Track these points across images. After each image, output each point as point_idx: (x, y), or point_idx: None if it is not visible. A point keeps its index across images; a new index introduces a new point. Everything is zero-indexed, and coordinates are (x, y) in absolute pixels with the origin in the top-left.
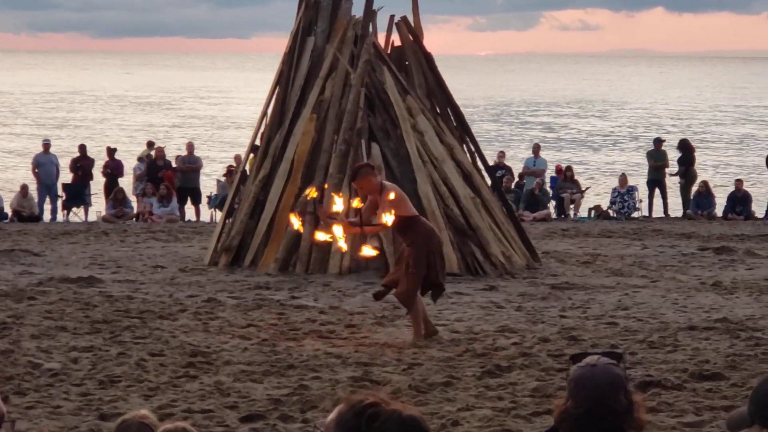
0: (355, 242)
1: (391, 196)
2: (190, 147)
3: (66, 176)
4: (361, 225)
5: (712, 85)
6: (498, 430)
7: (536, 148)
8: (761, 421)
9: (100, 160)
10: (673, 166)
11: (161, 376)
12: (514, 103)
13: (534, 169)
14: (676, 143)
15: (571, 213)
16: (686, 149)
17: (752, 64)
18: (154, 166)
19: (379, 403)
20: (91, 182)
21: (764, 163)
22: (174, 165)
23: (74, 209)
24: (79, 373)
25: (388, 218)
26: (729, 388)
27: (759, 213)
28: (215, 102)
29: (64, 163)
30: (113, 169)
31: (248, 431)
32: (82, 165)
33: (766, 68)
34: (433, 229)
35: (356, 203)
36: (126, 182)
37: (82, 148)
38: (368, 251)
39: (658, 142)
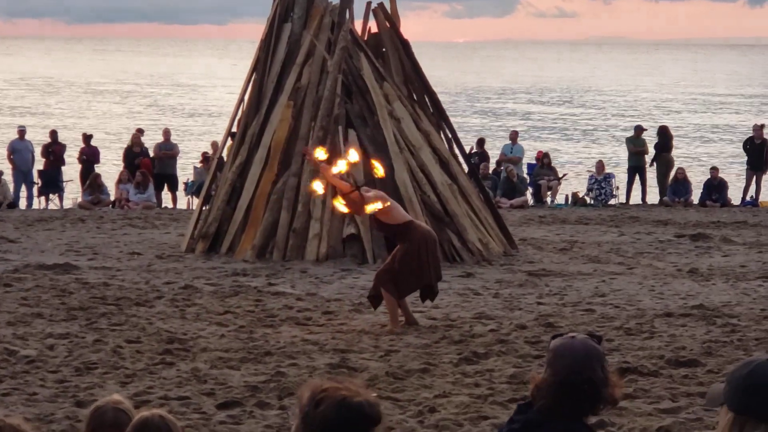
0: (334, 227)
1: (378, 205)
2: (167, 134)
3: (40, 162)
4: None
5: (689, 72)
6: (475, 416)
7: (513, 135)
8: (730, 405)
9: (76, 147)
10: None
11: (138, 363)
12: (491, 89)
13: (511, 156)
14: (650, 130)
15: (548, 200)
16: (664, 135)
17: (729, 52)
18: (130, 153)
19: (328, 388)
20: (63, 168)
21: (741, 149)
22: (151, 152)
23: (51, 196)
24: (56, 360)
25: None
26: (705, 375)
27: (735, 200)
28: (192, 89)
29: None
30: (89, 156)
31: (225, 418)
32: (53, 150)
33: (743, 56)
34: (428, 232)
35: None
36: (104, 170)
37: (53, 133)
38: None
39: (639, 129)
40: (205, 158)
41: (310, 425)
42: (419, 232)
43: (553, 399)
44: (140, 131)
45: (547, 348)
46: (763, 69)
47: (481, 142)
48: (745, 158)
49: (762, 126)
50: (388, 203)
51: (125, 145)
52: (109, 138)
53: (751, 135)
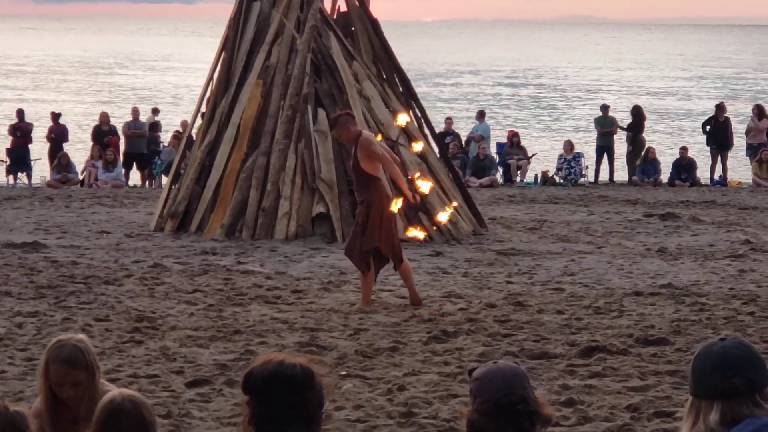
0: (303, 206)
1: (373, 149)
2: (135, 112)
3: (6, 141)
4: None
5: (662, 53)
6: (444, 394)
7: (480, 114)
8: (689, 389)
9: (44, 126)
10: (622, 133)
11: (106, 341)
12: (458, 69)
13: (475, 134)
14: (620, 110)
15: (518, 179)
16: (638, 116)
17: (702, 32)
18: (99, 132)
19: (266, 359)
20: (31, 146)
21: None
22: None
23: (19, 174)
24: (24, 338)
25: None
26: (674, 353)
27: (704, 180)
28: (160, 68)
29: (5, 129)
30: (57, 134)
31: (194, 396)
32: (20, 128)
33: (715, 36)
34: (389, 196)
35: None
36: (72, 148)
37: (20, 112)
38: (415, 233)
39: (605, 108)
40: (175, 137)
41: (252, 383)
42: (382, 192)
43: (493, 425)
44: (155, 111)
45: (469, 381)
46: (726, 49)
47: (449, 121)
48: (705, 138)
49: (723, 104)
50: (379, 155)
51: (94, 124)
52: (77, 117)
53: (711, 115)
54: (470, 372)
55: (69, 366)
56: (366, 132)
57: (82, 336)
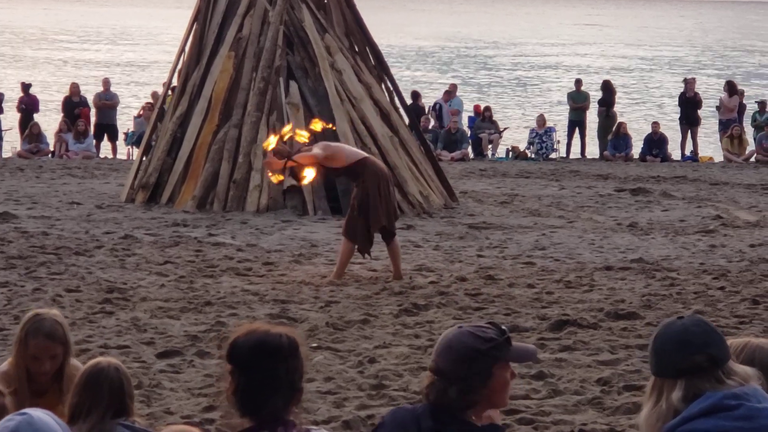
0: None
1: (315, 151)
2: (107, 83)
3: None
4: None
5: (638, 28)
6: (415, 367)
7: (452, 88)
8: (651, 368)
9: (14, 96)
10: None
11: (77, 311)
12: (433, 42)
13: (449, 109)
14: (594, 85)
15: (489, 153)
16: (607, 90)
17: (674, 5)
18: (69, 103)
19: (250, 329)
20: (1, 117)
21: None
22: (90, 102)
23: None
24: None
25: (308, 172)
26: (644, 327)
27: (675, 155)
28: (133, 41)
29: None
30: (28, 105)
31: (165, 367)
32: None
33: (687, 9)
34: (383, 169)
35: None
36: (43, 119)
37: None
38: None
39: (578, 83)
40: (146, 108)
41: (237, 353)
42: (373, 170)
43: (438, 389)
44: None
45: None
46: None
47: (415, 95)
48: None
49: (693, 80)
50: (332, 150)
51: (64, 95)
52: (47, 88)
53: (682, 90)
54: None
55: (49, 340)
56: (288, 149)
57: (56, 311)
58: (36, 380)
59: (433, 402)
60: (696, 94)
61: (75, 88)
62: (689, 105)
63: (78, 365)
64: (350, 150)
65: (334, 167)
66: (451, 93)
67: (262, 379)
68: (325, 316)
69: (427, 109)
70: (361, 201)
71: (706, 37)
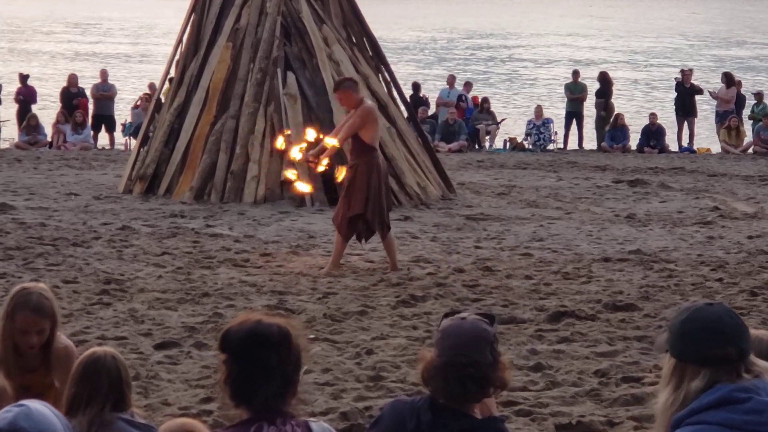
0: (272, 169)
1: (357, 120)
2: (104, 74)
3: None
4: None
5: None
6: (412, 358)
7: (450, 80)
8: (671, 351)
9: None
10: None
11: (75, 303)
12: (430, 34)
13: (447, 100)
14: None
15: (487, 144)
16: (605, 82)
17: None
18: (67, 94)
19: (244, 318)
20: None
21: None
22: (88, 93)
23: None
24: None
25: (331, 140)
26: (642, 319)
27: (673, 147)
28: (129, 31)
29: None
30: (26, 96)
31: (162, 358)
32: None
33: (684, 2)
34: (379, 165)
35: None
36: (40, 110)
37: None
38: (301, 186)
39: (576, 74)
40: (144, 99)
41: (229, 342)
42: (373, 162)
43: (440, 381)
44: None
45: (437, 327)
46: (703, 15)
47: (416, 86)
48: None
49: (690, 71)
50: (370, 121)
51: (62, 86)
52: (44, 78)
53: (679, 81)
54: (445, 315)
55: (37, 314)
56: (368, 101)
57: (43, 284)
58: (24, 355)
59: (447, 399)
60: (693, 84)
61: (73, 79)
62: (686, 95)
63: (67, 342)
64: (378, 134)
65: (359, 135)
66: (450, 84)
67: (253, 368)
68: (323, 308)
69: (430, 100)
70: (349, 184)
71: (699, 28)
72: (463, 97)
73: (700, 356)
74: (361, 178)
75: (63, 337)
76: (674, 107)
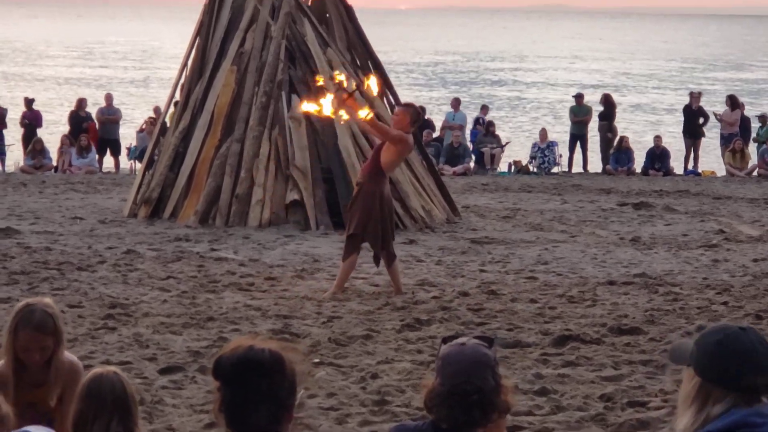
0: (277, 193)
1: (397, 136)
2: (109, 98)
3: None
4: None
5: (631, 42)
6: (417, 383)
7: (455, 103)
8: (698, 370)
9: (17, 111)
10: (594, 122)
11: (79, 327)
12: (435, 57)
13: (452, 123)
14: (591, 98)
15: (491, 167)
16: (608, 104)
17: (670, 21)
18: (76, 117)
19: (236, 344)
20: (4, 131)
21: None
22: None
23: None
24: None
25: (364, 113)
26: (647, 343)
27: (678, 169)
28: (135, 56)
29: None
30: (31, 120)
31: (167, 383)
32: None
33: (684, 24)
34: (385, 193)
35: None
36: (46, 134)
37: None
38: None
39: (579, 97)
40: (149, 123)
41: (221, 368)
42: (378, 188)
43: (444, 409)
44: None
45: (437, 354)
46: (703, 39)
47: (421, 109)
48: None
49: (699, 94)
50: (401, 147)
51: (69, 110)
52: (50, 102)
53: (686, 103)
54: (443, 341)
55: (39, 332)
56: (410, 138)
57: (48, 300)
58: (29, 370)
59: (451, 426)
60: (701, 107)
61: (82, 103)
62: (693, 118)
63: (72, 358)
64: (395, 165)
65: (381, 156)
66: (454, 107)
67: (244, 394)
68: (328, 332)
69: (437, 124)
70: (352, 203)
71: (699, 51)
72: (481, 120)
73: (731, 382)
74: (364, 199)
75: (70, 355)
76: (682, 130)
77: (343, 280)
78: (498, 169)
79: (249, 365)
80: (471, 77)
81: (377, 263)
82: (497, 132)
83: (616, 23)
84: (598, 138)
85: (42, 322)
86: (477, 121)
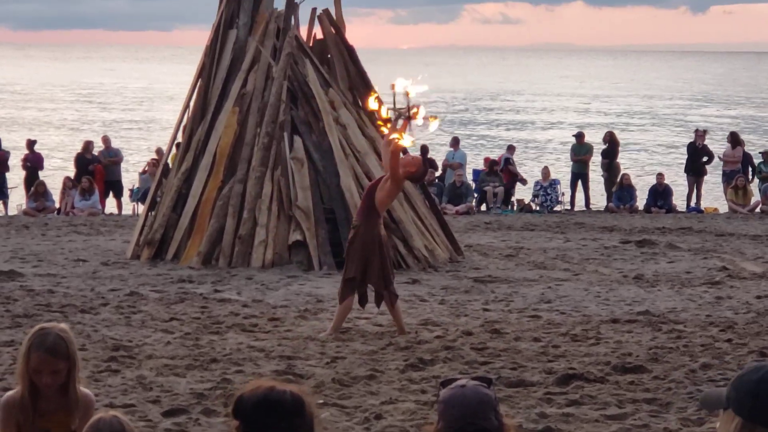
0: (279, 234)
1: (402, 173)
2: (106, 140)
3: None
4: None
5: (631, 78)
6: (421, 423)
7: (454, 142)
8: (738, 410)
9: (19, 153)
10: (596, 159)
11: (83, 371)
12: (437, 96)
13: (452, 162)
14: (592, 134)
15: (494, 206)
16: (612, 142)
17: (671, 58)
18: (82, 159)
19: (257, 385)
20: (7, 174)
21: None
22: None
23: None
24: (0, 368)
25: (410, 139)
26: (651, 381)
27: (680, 207)
28: (137, 98)
29: None
30: (33, 162)
31: (171, 425)
32: None
33: (685, 61)
34: (381, 235)
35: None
36: (49, 177)
37: None
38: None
39: (580, 136)
40: (152, 164)
41: (242, 408)
42: (375, 230)
43: None
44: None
45: (437, 398)
46: (704, 76)
47: (424, 149)
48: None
49: (704, 132)
50: (395, 192)
51: (76, 152)
52: (53, 144)
53: (691, 141)
54: (442, 384)
55: (51, 355)
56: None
57: (64, 325)
58: (43, 396)
59: None
60: (705, 146)
61: (89, 146)
62: (697, 156)
63: (87, 391)
64: (389, 203)
65: (376, 194)
66: (454, 146)
67: None
68: (331, 372)
69: (440, 163)
70: (349, 246)
71: (699, 88)
72: (510, 161)
73: None
74: (362, 242)
75: (86, 391)
76: (685, 167)
77: (340, 321)
78: (501, 207)
79: (270, 406)
80: (471, 116)
81: (378, 304)
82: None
83: (619, 61)
84: (600, 175)
85: (55, 346)
86: (507, 161)
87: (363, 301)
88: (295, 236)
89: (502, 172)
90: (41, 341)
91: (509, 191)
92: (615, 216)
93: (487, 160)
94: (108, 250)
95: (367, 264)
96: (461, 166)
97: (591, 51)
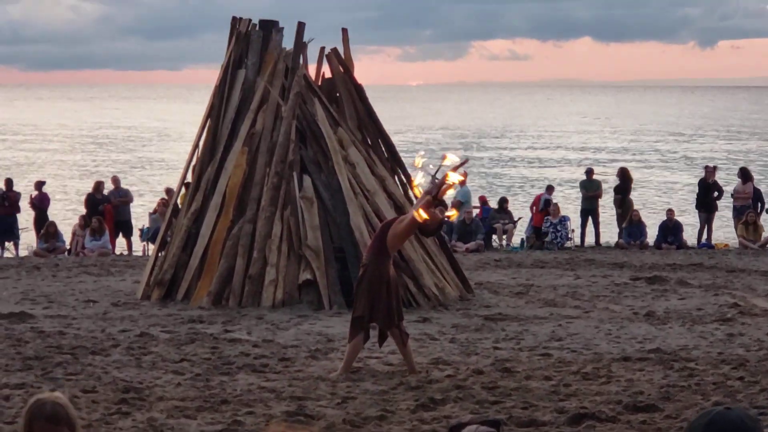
0: (289, 273)
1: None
2: (116, 181)
3: None
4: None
5: (642, 113)
6: None
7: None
8: None
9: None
10: (608, 196)
11: (93, 413)
12: (445, 132)
13: (458, 199)
14: (604, 172)
15: (504, 243)
16: (624, 178)
17: (681, 93)
18: (93, 199)
19: (275, 430)
20: (18, 215)
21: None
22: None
23: (6, 243)
24: (11, 411)
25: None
26: (663, 420)
27: (691, 242)
28: (148, 138)
29: None
30: (38, 202)
31: None
32: (8, 197)
33: (693, 96)
34: (388, 274)
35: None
36: (56, 215)
37: (8, 182)
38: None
39: (590, 172)
40: (161, 204)
41: None
42: (383, 268)
43: None
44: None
45: None
46: (709, 109)
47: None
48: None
49: (714, 168)
50: (407, 236)
51: (87, 192)
52: (62, 184)
53: (701, 177)
54: (450, 430)
55: (53, 423)
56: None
57: (58, 393)
58: None
59: None
60: (716, 182)
61: (99, 186)
62: (708, 192)
63: None
64: (399, 246)
65: (388, 235)
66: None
67: None
68: (342, 413)
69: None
70: (357, 284)
71: (700, 122)
72: (549, 202)
73: None
74: (370, 281)
75: None
76: (695, 204)
77: (350, 361)
78: (510, 244)
79: None
80: (481, 153)
81: (381, 343)
82: (510, 208)
83: (620, 95)
84: (611, 211)
85: (54, 413)
86: (547, 203)
87: (365, 339)
88: (305, 275)
89: (541, 212)
90: (40, 411)
91: (539, 231)
92: (625, 252)
93: (482, 198)
94: (118, 291)
95: (374, 302)
96: (463, 204)
97: (599, 86)
